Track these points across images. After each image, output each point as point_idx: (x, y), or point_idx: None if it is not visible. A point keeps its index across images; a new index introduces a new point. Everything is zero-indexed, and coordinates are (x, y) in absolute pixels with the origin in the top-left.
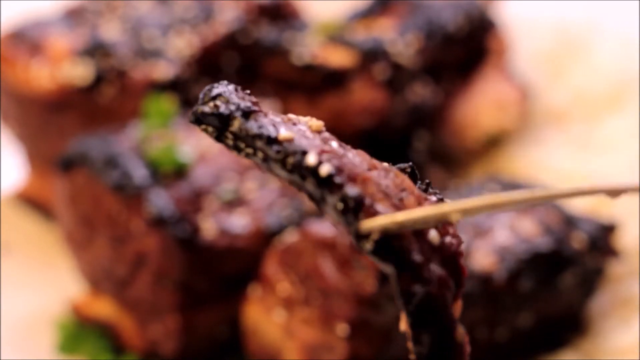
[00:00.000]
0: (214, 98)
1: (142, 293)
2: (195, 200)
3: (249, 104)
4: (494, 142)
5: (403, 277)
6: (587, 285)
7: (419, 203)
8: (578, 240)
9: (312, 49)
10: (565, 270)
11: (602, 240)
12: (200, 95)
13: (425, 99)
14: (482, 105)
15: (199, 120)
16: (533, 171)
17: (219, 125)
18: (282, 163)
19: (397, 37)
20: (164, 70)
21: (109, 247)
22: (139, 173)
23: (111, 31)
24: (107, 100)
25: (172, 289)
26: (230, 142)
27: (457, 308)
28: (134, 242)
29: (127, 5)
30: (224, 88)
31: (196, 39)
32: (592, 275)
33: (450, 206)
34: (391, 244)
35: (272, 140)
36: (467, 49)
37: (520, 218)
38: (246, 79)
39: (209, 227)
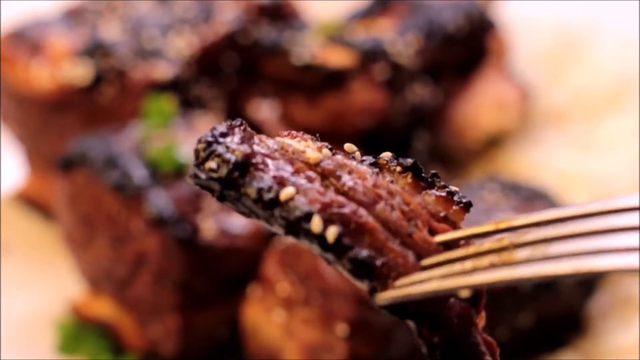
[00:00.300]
0: (208, 157)
1: (142, 293)
2: (195, 200)
3: (242, 156)
4: (494, 142)
5: (423, 331)
6: (587, 285)
7: (430, 226)
8: None
9: (311, 49)
10: None
11: None
12: (194, 153)
13: (425, 99)
14: (482, 105)
15: (199, 185)
16: (533, 171)
17: (219, 188)
18: (287, 230)
19: (397, 37)
20: (164, 70)
21: (109, 247)
22: (139, 173)
23: (111, 31)
24: (107, 100)
25: (172, 289)
26: (233, 206)
27: (481, 320)
28: (134, 242)
29: (127, 5)
30: (216, 142)
31: (196, 39)
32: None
33: (460, 282)
34: (407, 305)
35: (272, 204)
36: (467, 49)
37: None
38: (246, 79)
39: (209, 227)
